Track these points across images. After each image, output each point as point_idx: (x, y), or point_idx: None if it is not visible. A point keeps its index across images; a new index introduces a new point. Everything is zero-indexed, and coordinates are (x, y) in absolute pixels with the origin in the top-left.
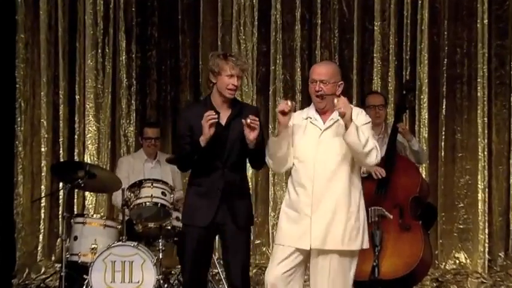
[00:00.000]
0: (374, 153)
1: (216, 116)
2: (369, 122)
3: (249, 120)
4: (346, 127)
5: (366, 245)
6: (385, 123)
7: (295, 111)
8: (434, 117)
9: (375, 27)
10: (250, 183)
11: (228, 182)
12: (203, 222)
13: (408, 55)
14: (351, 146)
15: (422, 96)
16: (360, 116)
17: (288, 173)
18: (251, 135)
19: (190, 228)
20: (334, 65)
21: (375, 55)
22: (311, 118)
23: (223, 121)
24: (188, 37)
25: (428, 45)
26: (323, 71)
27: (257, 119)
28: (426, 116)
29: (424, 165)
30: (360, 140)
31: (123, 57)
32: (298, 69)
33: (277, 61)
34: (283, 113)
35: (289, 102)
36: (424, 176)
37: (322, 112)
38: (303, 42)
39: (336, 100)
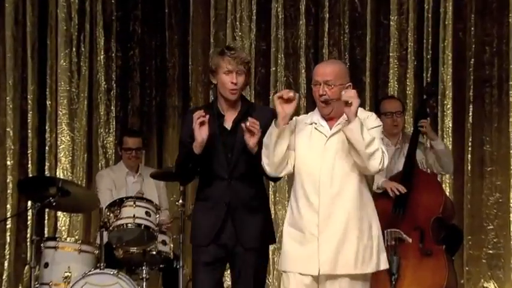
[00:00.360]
0: (378, 156)
1: (205, 115)
2: (379, 126)
3: (248, 123)
4: (349, 121)
5: (384, 265)
6: (402, 132)
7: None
8: (460, 125)
9: (391, 22)
10: None
11: (236, 194)
12: (205, 241)
13: (429, 54)
14: (352, 144)
15: (445, 102)
16: (369, 119)
17: (289, 187)
18: (251, 141)
19: (195, 250)
20: (341, 64)
21: (391, 54)
22: (316, 124)
23: (228, 124)
24: (176, 33)
25: (453, 42)
26: (327, 71)
27: (257, 122)
28: (450, 125)
29: (448, 180)
30: (364, 137)
31: (101, 56)
32: (303, 71)
33: (279, 61)
34: (286, 101)
35: (291, 93)
36: (448, 194)
37: (329, 118)
38: (308, 39)
39: (343, 91)
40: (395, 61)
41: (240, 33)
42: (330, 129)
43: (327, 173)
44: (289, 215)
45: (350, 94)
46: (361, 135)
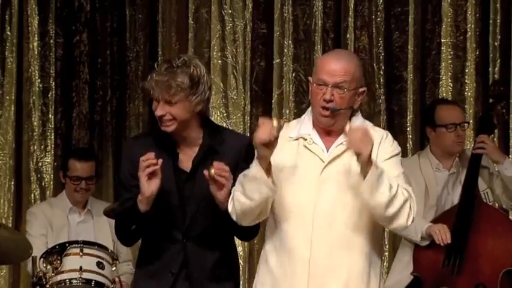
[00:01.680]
0: (404, 213)
1: (156, 161)
2: (397, 154)
3: (212, 171)
4: (363, 171)
5: None
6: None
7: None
8: None
9: None
10: (240, 248)
11: (191, 262)
12: None
13: (497, 40)
14: (367, 203)
15: None
16: (383, 145)
17: (263, 231)
18: (219, 195)
19: None
20: (357, 59)
21: (443, 40)
22: (305, 140)
23: (186, 166)
24: (141, 12)
25: None
26: (341, 69)
27: (226, 168)
28: None
29: None
30: (382, 194)
31: (35, 43)
32: None
33: (285, 50)
34: (266, 143)
35: (275, 123)
36: None
37: (325, 130)
38: (326, 19)
39: (347, 126)
40: (450, 50)
41: (230, 11)
42: (327, 148)
43: (324, 215)
44: (262, 273)
45: (355, 137)
46: (379, 192)
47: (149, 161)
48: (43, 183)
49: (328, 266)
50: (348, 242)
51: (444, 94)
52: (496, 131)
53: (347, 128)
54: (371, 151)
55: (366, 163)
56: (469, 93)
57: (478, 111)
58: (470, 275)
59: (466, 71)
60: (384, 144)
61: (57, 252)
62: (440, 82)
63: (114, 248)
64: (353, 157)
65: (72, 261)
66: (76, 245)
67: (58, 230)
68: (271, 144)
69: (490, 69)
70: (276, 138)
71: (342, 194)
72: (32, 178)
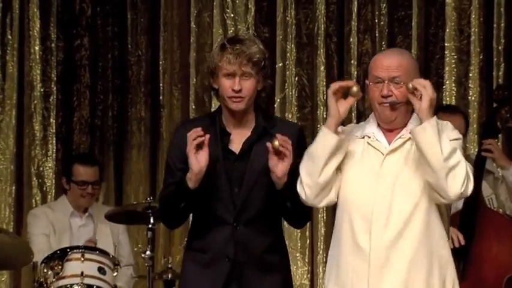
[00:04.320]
0: (461, 174)
1: (203, 135)
2: (459, 139)
3: (277, 143)
4: (422, 122)
5: None
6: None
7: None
8: None
9: (447, 0)
10: None
11: (245, 246)
12: None
13: (502, 45)
14: (424, 153)
15: None
16: (446, 129)
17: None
18: (279, 169)
19: None
20: (411, 55)
21: (446, 44)
22: (369, 137)
23: (236, 147)
24: (142, 16)
25: None
26: (395, 64)
27: (289, 140)
28: None
29: None
30: (442, 144)
31: (37, 47)
32: (322, 68)
33: (288, 55)
34: (341, 95)
35: (355, 87)
36: None
37: (388, 130)
38: (329, 23)
39: (410, 84)
40: (453, 54)
41: (232, 15)
42: (389, 143)
43: (382, 206)
44: (331, 263)
45: (423, 82)
46: (438, 140)
47: (196, 134)
48: (44, 188)
49: (388, 257)
50: (406, 234)
51: (448, 98)
52: (500, 135)
53: (409, 85)
54: (434, 96)
55: (428, 109)
56: (473, 98)
57: (481, 116)
58: (474, 280)
59: (470, 75)
60: (446, 128)
61: (58, 257)
62: (444, 86)
63: (116, 252)
64: (411, 150)
65: (73, 267)
66: (77, 250)
67: (60, 233)
68: (342, 99)
69: (494, 73)
70: (347, 100)
71: (400, 186)
72: (33, 183)
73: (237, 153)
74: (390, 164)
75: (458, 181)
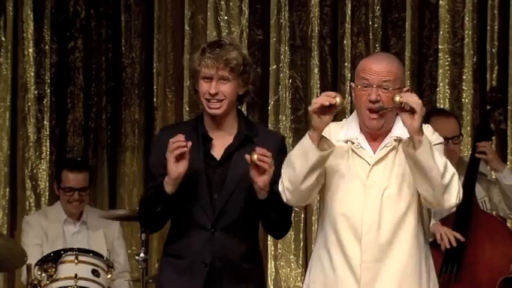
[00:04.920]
0: (455, 186)
1: (185, 143)
2: (441, 143)
3: (255, 156)
4: (414, 141)
5: None
6: (457, 159)
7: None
8: None
9: (441, 2)
10: None
11: (221, 252)
12: None
13: (495, 47)
14: (422, 173)
15: None
16: (426, 133)
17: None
18: (259, 181)
19: None
20: (397, 59)
21: (440, 47)
22: (353, 143)
23: (217, 153)
24: (136, 18)
25: None
26: (385, 69)
27: (268, 153)
28: None
29: None
30: (436, 162)
31: (30, 50)
32: (316, 70)
33: (282, 57)
34: (323, 110)
35: (338, 99)
36: None
37: (372, 134)
38: (323, 26)
39: (397, 97)
40: (447, 56)
41: (226, 18)
42: (374, 152)
43: (371, 218)
44: (318, 273)
45: (413, 98)
46: (433, 160)
47: (178, 143)
48: (38, 190)
49: (379, 268)
50: (396, 244)
51: (441, 101)
52: (493, 138)
53: (396, 97)
54: (424, 113)
55: (419, 128)
56: (467, 100)
57: (475, 118)
58: (468, 282)
59: (464, 77)
60: (427, 131)
61: (52, 259)
62: (438, 89)
63: (110, 258)
64: (396, 157)
65: (67, 269)
66: (71, 253)
67: (53, 240)
68: (325, 114)
69: (488, 75)
70: (330, 113)
71: (387, 197)
72: (26, 185)
73: (218, 159)
74: (377, 174)
75: (453, 194)
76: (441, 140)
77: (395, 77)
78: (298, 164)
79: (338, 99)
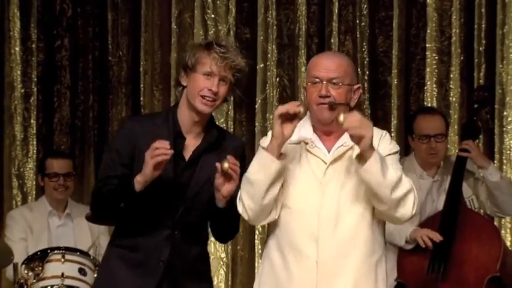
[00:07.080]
0: (410, 200)
1: (170, 152)
2: (396, 152)
3: (226, 165)
4: (364, 158)
5: None
6: (444, 158)
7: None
8: None
9: (428, 0)
10: (223, 254)
11: (179, 251)
12: None
13: (483, 46)
14: (373, 190)
15: (505, 113)
16: (383, 142)
17: (266, 231)
18: (224, 188)
19: None
20: (348, 58)
21: (427, 45)
22: (307, 144)
23: (187, 154)
24: (123, 16)
25: None
26: (333, 66)
27: (237, 163)
28: None
29: (509, 225)
30: (386, 178)
31: (17, 48)
32: (303, 69)
33: (269, 55)
34: (287, 117)
35: (301, 107)
36: (508, 244)
37: (325, 133)
38: (310, 24)
39: (341, 116)
40: (434, 55)
41: (213, 16)
42: (328, 151)
43: (329, 216)
44: (268, 275)
45: (351, 122)
46: (382, 175)
47: (162, 151)
48: (25, 189)
49: (336, 266)
50: (354, 242)
51: (429, 99)
52: (480, 136)
53: (340, 117)
54: (372, 133)
55: (369, 146)
56: (454, 99)
57: (462, 117)
58: (455, 281)
59: (451, 76)
60: (383, 142)
61: (39, 258)
62: (425, 87)
63: (97, 252)
64: (352, 158)
65: (54, 268)
66: (58, 251)
67: (38, 233)
68: (288, 122)
69: (475, 74)
70: (293, 122)
71: (345, 195)
72: (13, 184)
73: (186, 159)
74: (334, 172)
75: (408, 208)
76: (397, 148)
77: (344, 72)
78: (258, 180)
79: (302, 109)
